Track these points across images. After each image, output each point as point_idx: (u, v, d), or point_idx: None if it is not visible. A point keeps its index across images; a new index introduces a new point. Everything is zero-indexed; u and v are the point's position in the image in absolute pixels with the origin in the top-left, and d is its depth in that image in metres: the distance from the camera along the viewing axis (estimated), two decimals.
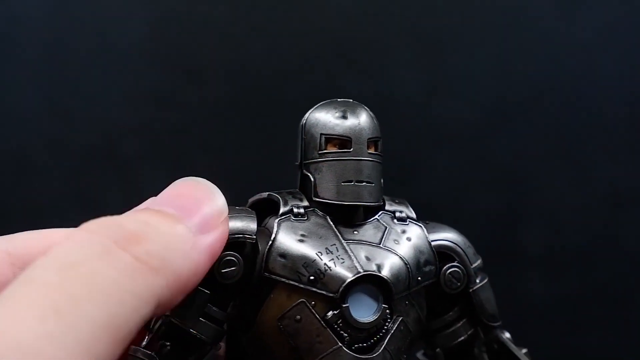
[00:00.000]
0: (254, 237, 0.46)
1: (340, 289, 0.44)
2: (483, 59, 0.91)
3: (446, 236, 0.49)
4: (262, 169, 0.83)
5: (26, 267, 0.33)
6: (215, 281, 0.45)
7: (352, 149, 0.47)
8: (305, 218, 0.47)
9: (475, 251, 0.50)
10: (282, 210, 0.47)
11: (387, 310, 0.45)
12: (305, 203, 0.47)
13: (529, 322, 0.91)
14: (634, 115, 0.92)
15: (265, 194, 0.49)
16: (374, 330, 0.45)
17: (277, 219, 0.46)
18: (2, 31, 0.90)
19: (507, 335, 0.50)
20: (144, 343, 0.46)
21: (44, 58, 0.90)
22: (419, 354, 0.53)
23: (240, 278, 0.46)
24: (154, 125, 0.90)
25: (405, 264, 0.46)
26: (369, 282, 0.44)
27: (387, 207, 0.49)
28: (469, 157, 0.91)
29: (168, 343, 0.46)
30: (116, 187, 0.89)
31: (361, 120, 0.48)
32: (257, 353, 0.46)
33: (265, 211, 0.47)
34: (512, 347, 0.49)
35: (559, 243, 0.92)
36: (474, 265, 0.49)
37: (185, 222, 0.39)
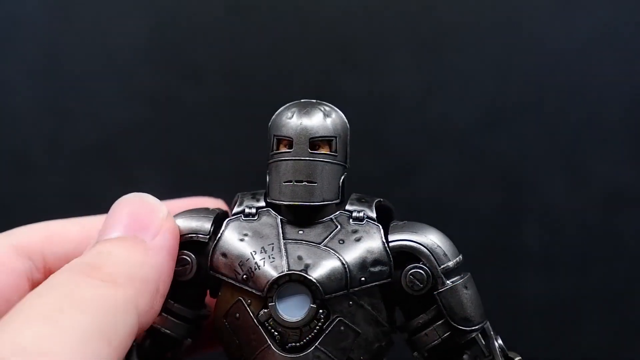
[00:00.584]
0: (207, 236, 0.47)
1: (266, 288, 0.45)
2: (481, 60, 0.91)
3: (411, 236, 0.48)
4: (260, 169, 0.83)
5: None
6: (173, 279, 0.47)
7: (293, 149, 0.48)
8: (255, 218, 0.48)
9: (451, 252, 0.48)
10: (234, 210, 0.48)
11: (320, 310, 0.45)
12: (261, 203, 0.49)
13: (527, 321, 0.91)
14: (632, 115, 0.92)
15: (238, 195, 0.50)
16: (307, 329, 0.45)
17: (227, 219, 0.48)
18: (0, 31, 0.90)
19: (500, 342, 0.48)
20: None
21: (42, 58, 0.90)
22: (415, 353, 0.52)
23: (197, 275, 0.47)
24: (151, 124, 0.90)
25: (343, 264, 0.46)
26: (298, 282, 0.45)
27: (347, 207, 0.49)
28: (467, 157, 0.92)
29: (148, 339, 0.49)
30: (114, 186, 0.89)
31: (306, 120, 0.48)
32: (224, 348, 0.48)
33: None
34: (497, 355, 0.47)
35: (557, 243, 0.92)
36: (442, 266, 0.47)
37: (133, 237, 0.43)
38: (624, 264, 0.92)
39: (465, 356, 0.49)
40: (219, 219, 0.49)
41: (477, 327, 0.48)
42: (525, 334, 0.90)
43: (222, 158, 0.90)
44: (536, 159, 0.92)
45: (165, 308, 0.47)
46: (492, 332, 0.49)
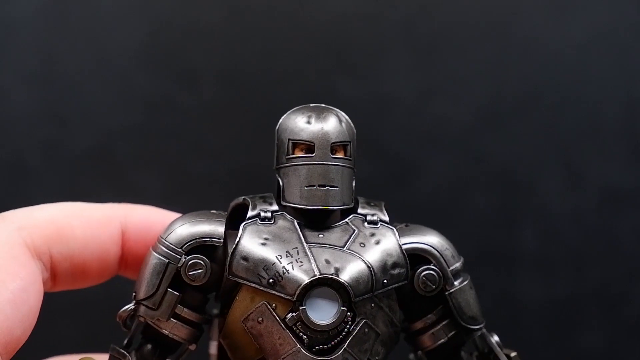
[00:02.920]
0: (221, 240, 0.48)
1: (297, 292, 0.45)
2: (478, 61, 0.91)
3: (421, 239, 0.49)
4: (256, 172, 0.83)
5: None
6: (185, 283, 0.47)
7: (315, 154, 0.48)
8: (272, 222, 0.48)
9: (456, 253, 0.50)
10: (249, 214, 0.48)
11: (348, 313, 0.45)
12: (275, 207, 0.49)
13: (524, 322, 0.92)
14: (629, 116, 0.92)
15: (241, 199, 0.50)
16: (335, 332, 0.45)
17: (244, 223, 0.48)
18: None
19: (496, 338, 0.50)
20: (124, 343, 0.49)
21: (38, 62, 0.90)
22: (411, 356, 0.53)
23: (210, 280, 0.48)
24: (148, 129, 0.90)
25: (368, 267, 0.46)
26: (328, 285, 0.45)
27: (359, 211, 0.49)
28: (464, 158, 0.92)
29: (149, 344, 0.49)
30: (110, 191, 0.89)
31: (326, 125, 0.48)
32: (231, 351, 0.48)
33: (245, 215, 0.49)
34: (497, 350, 0.49)
35: (554, 243, 0.92)
36: (452, 267, 0.49)
37: None
38: (621, 264, 0.93)
39: (462, 353, 0.50)
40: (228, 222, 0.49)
41: (482, 325, 0.50)
42: (522, 335, 0.90)
43: (219, 162, 0.90)
44: (533, 160, 0.92)
45: (174, 314, 0.47)
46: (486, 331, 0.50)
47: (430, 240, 0.49)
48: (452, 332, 0.49)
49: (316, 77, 0.91)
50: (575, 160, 0.92)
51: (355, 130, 0.50)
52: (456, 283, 0.49)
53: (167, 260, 0.47)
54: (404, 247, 0.48)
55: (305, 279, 0.45)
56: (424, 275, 0.48)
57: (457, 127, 0.91)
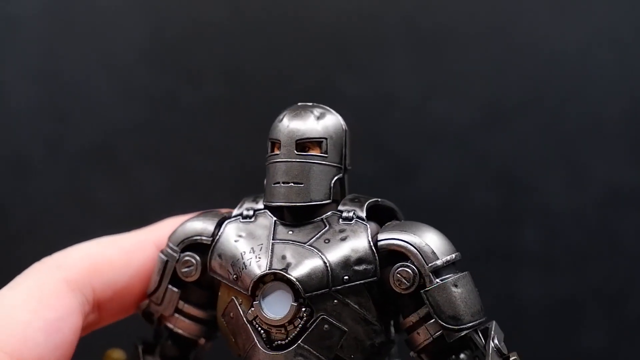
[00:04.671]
0: (210, 238, 0.49)
1: (250, 287, 0.46)
2: (479, 60, 0.91)
3: (400, 235, 0.48)
4: (259, 170, 0.84)
5: None
6: (184, 280, 0.50)
7: (280, 151, 0.48)
8: (252, 220, 0.49)
9: (441, 250, 0.48)
10: (234, 212, 0.50)
11: (304, 309, 0.46)
12: (260, 205, 0.50)
13: (525, 321, 0.92)
14: (630, 115, 0.92)
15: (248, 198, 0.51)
16: (291, 327, 0.46)
17: (227, 221, 0.49)
18: None
19: (496, 341, 0.47)
20: (152, 337, 0.53)
21: (40, 59, 0.90)
22: (412, 354, 0.52)
23: (202, 276, 0.50)
24: (151, 126, 0.91)
25: (325, 262, 0.46)
26: (279, 280, 0.46)
27: (339, 207, 0.49)
28: (465, 157, 0.92)
29: (169, 340, 0.52)
30: (113, 188, 0.89)
31: (294, 122, 0.49)
32: (227, 345, 0.50)
33: None
34: (488, 354, 0.46)
35: (555, 242, 0.92)
36: (430, 264, 0.47)
37: None
38: (623, 264, 0.92)
39: (462, 355, 0.48)
40: (223, 221, 0.50)
41: (466, 325, 0.47)
42: (522, 334, 0.90)
43: (222, 160, 0.90)
44: (535, 159, 0.92)
45: (176, 308, 0.50)
46: (492, 333, 0.48)
47: (409, 237, 0.48)
48: (438, 333, 0.47)
49: (318, 75, 0.91)
50: (576, 160, 0.92)
51: (344, 127, 0.50)
52: (437, 280, 0.47)
53: (166, 258, 0.50)
54: (379, 243, 0.47)
55: (257, 273, 0.46)
56: (397, 272, 0.47)
57: (459, 125, 0.91)
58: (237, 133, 0.90)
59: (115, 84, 0.90)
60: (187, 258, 0.49)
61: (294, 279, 0.45)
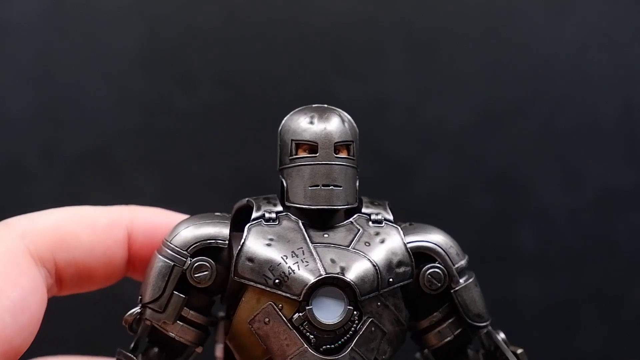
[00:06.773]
0: (226, 241, 0.48)
1: (303, 292, 0.45)
2: (475, 62, 0.92)
3: (426, 237, 0.49)
4: (255, 174, 0.84)
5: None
6: (191, 286, 0.48)
7: (318, 154, 0.48)
8: (277, 222, 0.48)
9: (460, 251, 0.50)
10: (254, 215, 0.48)
11: (355, 312, 0.45)
12: (279, 208, 0.49)
13: (521, 323, 0.92)
14: (626, 117, 0.93)
15: (245, 200, 0.50)
16: (342, 331, 0.45)
17: (249, 224, 0.48)
18: None
19: (502, 335, 0.50)
20: (131, 346, 0.49)
21: (35, 65, 0.90)
22: (418, 355, 0.53)
23: (215, 282, 0.48)
24: (146, 131, 0.90)
25: (374, 265, 0.46)
26: (334, 285, 0.45)
27: (363, 210, 0.50)
28: (462, 159, 0.92)
29: (156, 348, 0.49)
30: (109, 193, 0.89)
31: (328, 125, 0.49)
32: (238, 352, 0.48)
33: (249, 217, 0.49)
34: (504, 347, 0.49)
35: (551, 244, 0.92)
36: (457, 265, 0.49)
37: None
38: (619, 265, 0.93)
39: (469, 351, 0.50)
40: (234, 224, 0.49)
41: (487, 322, 0.50)
42: (519, 336, 0.90)
43: (216, 165, 0.90)
44: (531, 161, 0.92)
45: (180, 316, 0.47)
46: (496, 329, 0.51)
47: (434, 238, 0.49)
48: (459, 330, 0.49)
49: (314, 79, 0.91)
50: (572, 162, 0.92)
51: (357, 130, 0.50)
52: (461, 281, 0.49)
53: (172, 263, 0.47)
54: (408, 245, 0.48)
55: (311, 278, 0.45)
56: (429, 274, 0.48)
57: (455, 128, 0.91)
58: (232, 138, 0.90)
59: (110, 89, 0.90)
60: (201, 263, 0.47)
61: (353, 283, 0.45)
